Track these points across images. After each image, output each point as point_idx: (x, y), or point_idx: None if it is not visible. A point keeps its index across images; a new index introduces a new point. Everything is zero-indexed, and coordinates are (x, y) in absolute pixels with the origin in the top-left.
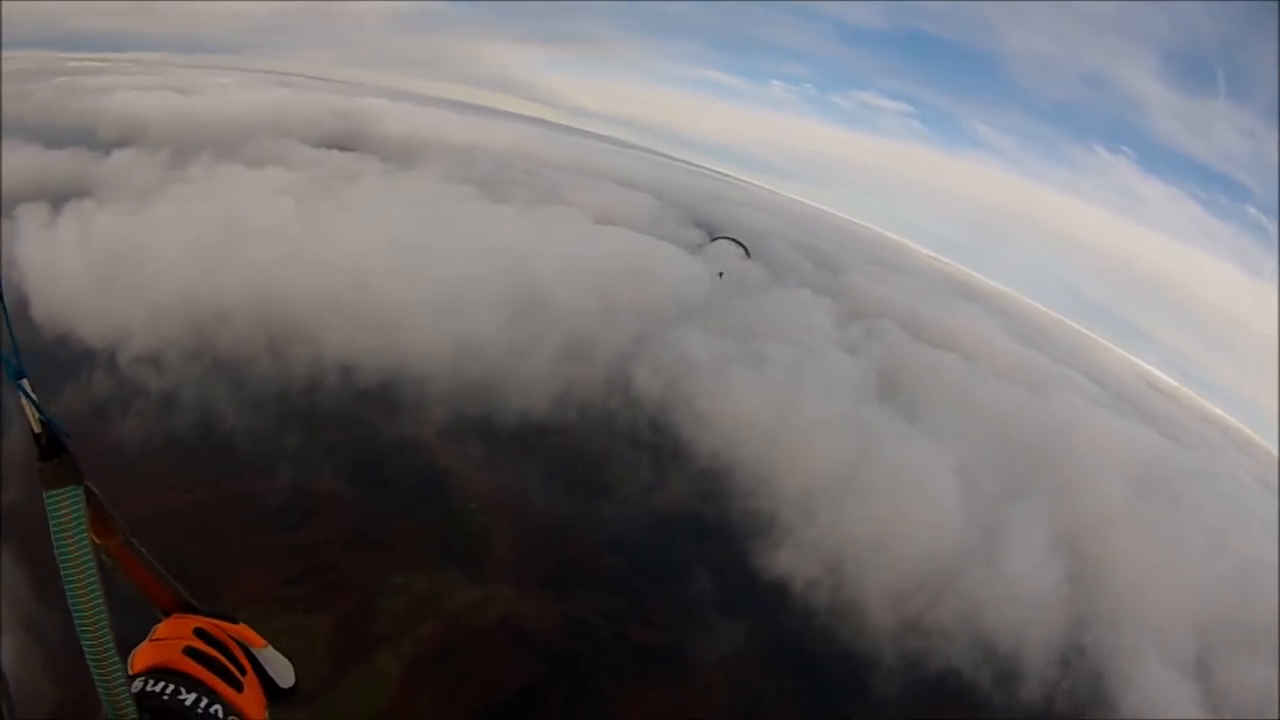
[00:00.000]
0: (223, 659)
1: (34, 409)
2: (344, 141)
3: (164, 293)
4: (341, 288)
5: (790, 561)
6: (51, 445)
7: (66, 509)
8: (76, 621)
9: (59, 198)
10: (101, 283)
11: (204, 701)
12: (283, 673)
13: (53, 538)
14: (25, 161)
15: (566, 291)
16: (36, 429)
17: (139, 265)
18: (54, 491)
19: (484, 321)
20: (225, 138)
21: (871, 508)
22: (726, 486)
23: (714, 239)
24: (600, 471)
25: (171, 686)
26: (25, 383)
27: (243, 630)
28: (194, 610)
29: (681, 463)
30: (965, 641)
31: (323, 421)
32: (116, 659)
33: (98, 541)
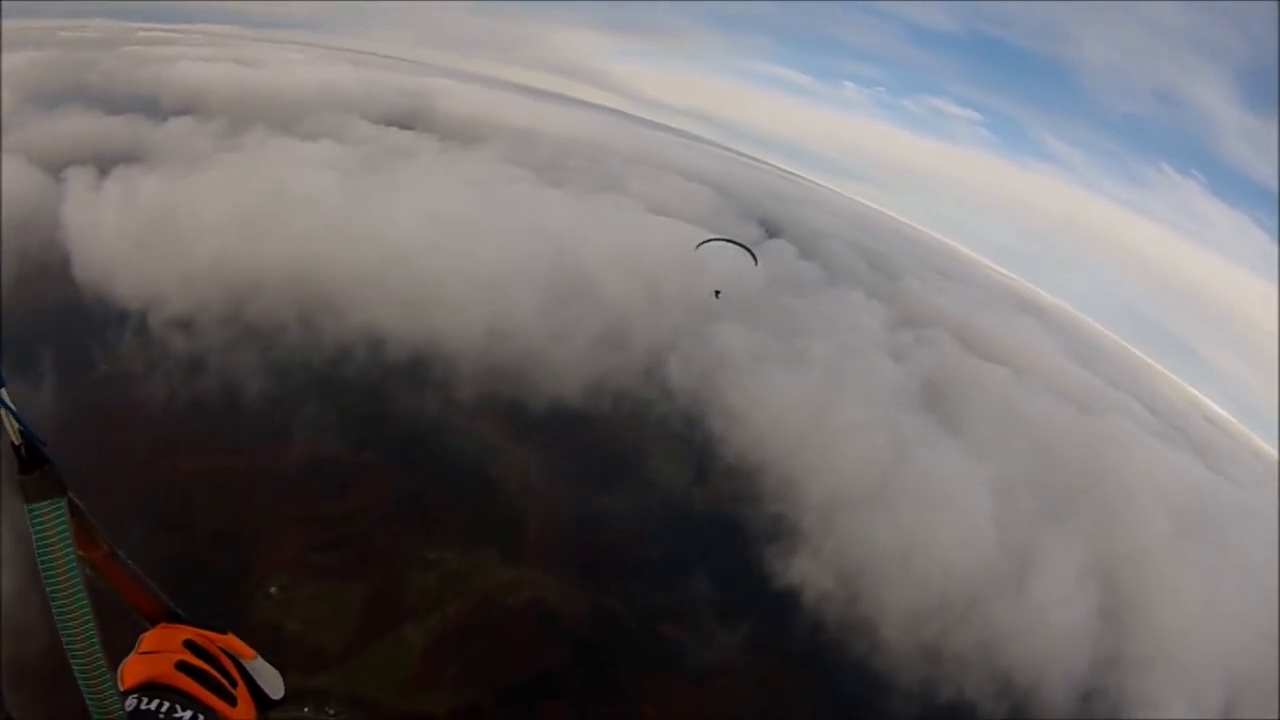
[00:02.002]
0: (214, 672)
1: (12, 420)
2: (406, 120)
3: (201, 258)
4: (378, 262)
5: (805, 571)
6: (32, 457)
7: (50, 522)
8: (63, 636)
9: (109, 162)
10: (142, 246)
11: (200, 718)
12: (272, 684)
13: (36, 551)
14: (81, 126)
15: (611, 279)
16: (16, 440)
17: (180, 230)
18: (36, 505)
19: (522, 304)
20: (284, 111)
21: (898, 521)
22: (752, 487)
23: (709, 240)
24: (631, 463)
25: (167, 704)
26: (3, 392)
27: (231, 641)
28: (181, 620)
29: (710, 459)
30: (981, 671)
31: (364, 394)
32: (107, 674)
33: (82, 554)
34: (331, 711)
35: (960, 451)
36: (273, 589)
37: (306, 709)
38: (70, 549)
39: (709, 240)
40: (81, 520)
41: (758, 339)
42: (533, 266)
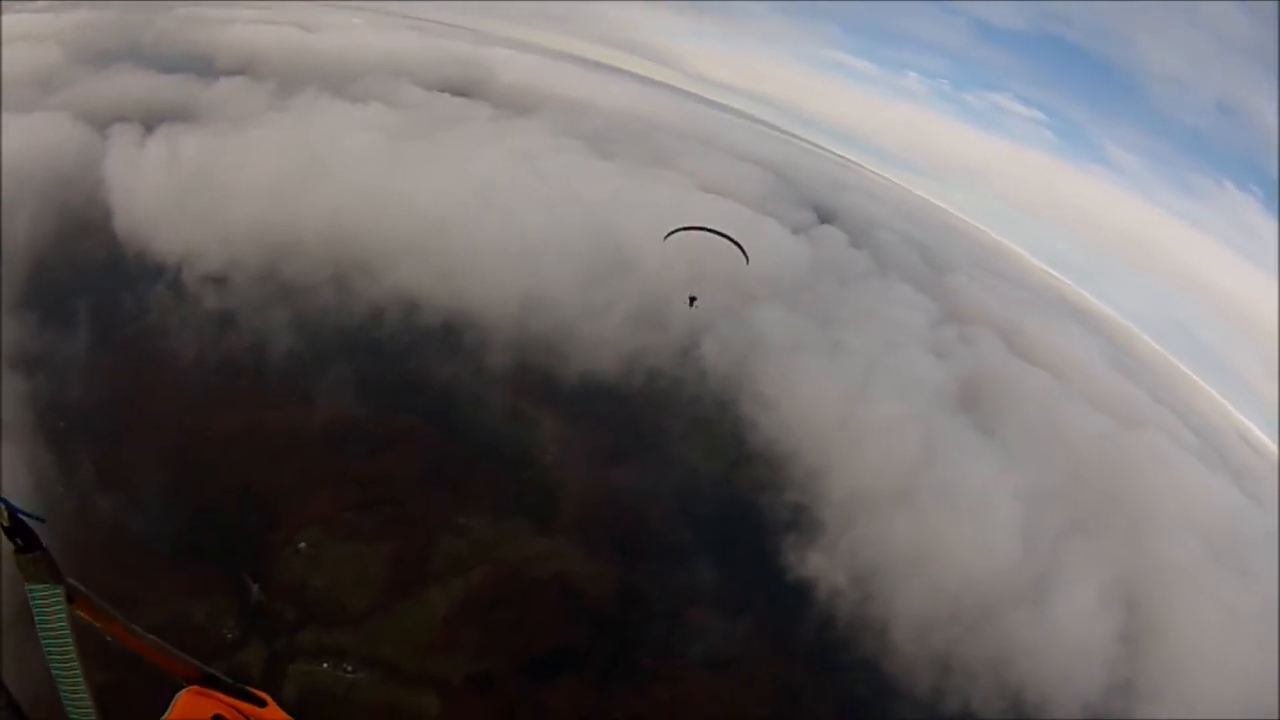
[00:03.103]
0: None
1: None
2: (460, 87)
3: (240, 216)
4: (416, 226)
5: (821, 565)
6: (26, 538)
7: (48, 606)
8: (64, 703)
9: (156, 119)
10: (182, 202)
11: None
12: None
13: (37, 629)
14: (131, 84)
15: (653, 255)
16: (5, 523)
17: (221, 188)
18: (35, 585)
19: (560, 276)
20: (337, 74)
21: (920, 522)
22: (777, 476)
23: (684, 229)
24: (661, 442)
25: None
26: None
27: (267, 714)
28: (216, 682)
29: (739, 444)
30: (990, 685)
31: (398, 358)
32: None
33: (96, 624)
34: (349, 669)
35: (992, 455)
36: (302, 544)
37: (325, 664)
38: (66, 631)
39: (683, 229)
40: (87, 601)
41: (797, 325)
42: (574, 238)
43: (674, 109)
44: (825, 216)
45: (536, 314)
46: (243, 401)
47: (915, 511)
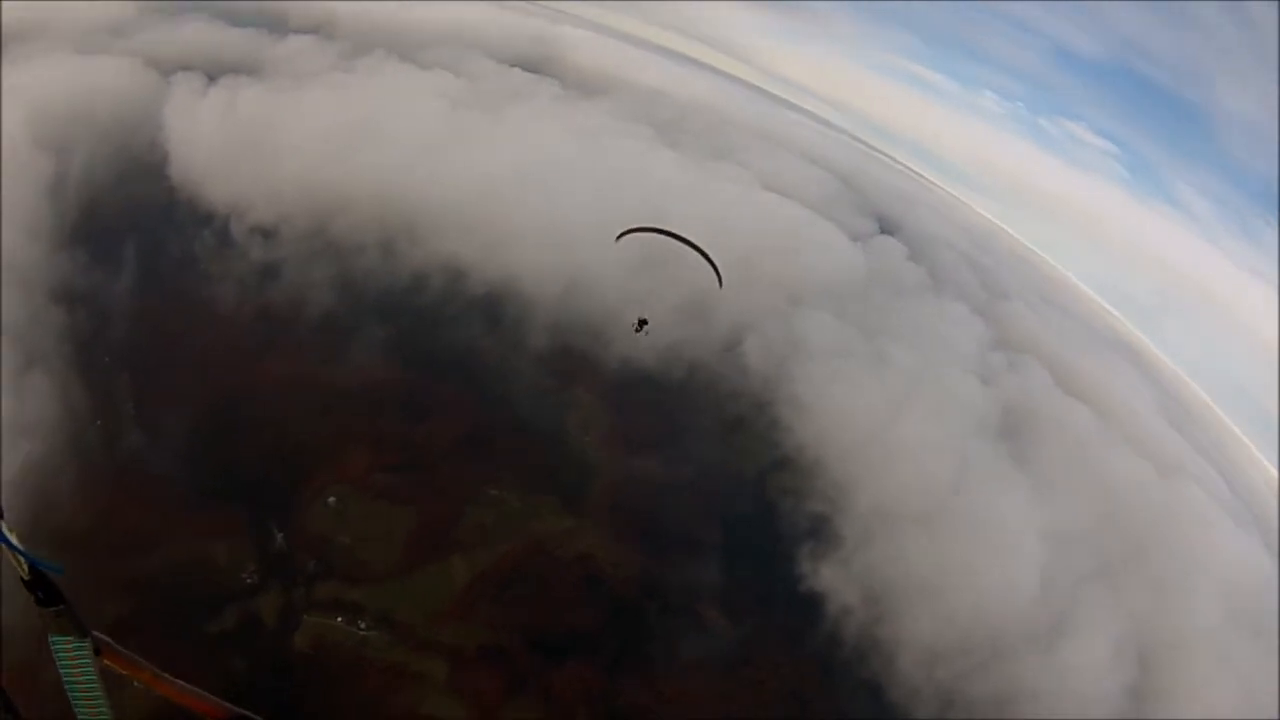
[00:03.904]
0: None
1: (19, 558)
2: (531, 63)
3: (293, 170)
4: (468, 196)
5: (834, 580)
6: (47, 591)
7: (74, 660)
8: None
9: (221, 71)
10: (237, 152)
11: None
12: None
13: (63, 681)
14: (201, 34)
15: (707, 247)
16: (24, 575)
17: (277, 141)
18: (59, 639)
19: (609, 259)
20: (408, 39)
21: (941, 548)
22: (803, 482)
23: (637, 230)
24: (696, 436)
25: None
26: (2, 525)
27: None
28: None
29: (770, 446)
30: None
31: (440, 326)
32: None
33: (124, 672)
34: (363, 626)
35: (1024, 489)
36: (331, 499)
37: (340, 618)
38: (96, 685)
39: (638, 230)
40: (114, 651)
41: (843, 333)
42: (628, 223)
43: (744, 104)
44: (887, 227)
45: (581, 295)
46: (283, 354)
47: (937, 536)
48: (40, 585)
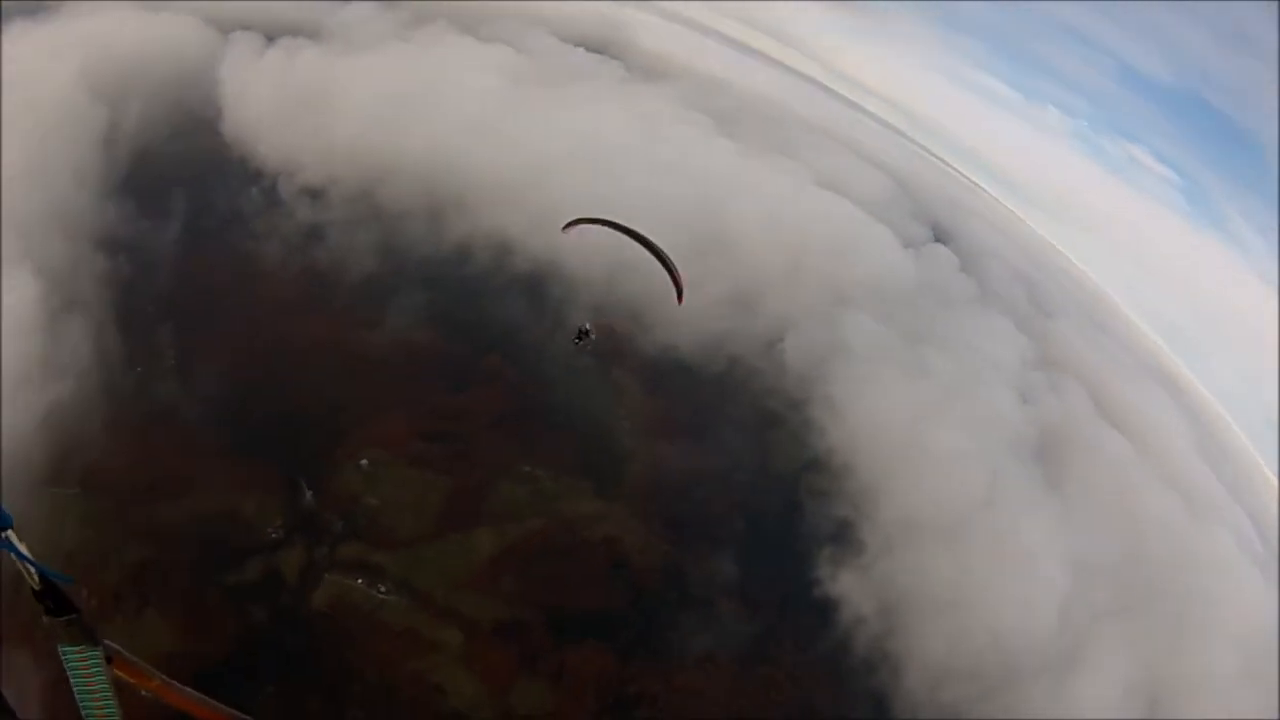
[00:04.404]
0: None
1: (29, 567)
2: (596, 44)
3: (344, 134)
4: (519, 171)
5: (850, 587)
6: (58, 600)
7: (87, 670)
8: None
9: (280, 32)
10: (289, 113)
11: None
12: None
13: (74, 690)
14: None
15: (756, 241)
16: (35, 585)
17: (330, 105)
18: (69, 648)
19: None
20: (472, 12)
21: (962, 566)
22: (830, 484)
23: (588, 221)
24: (731, 429)
25: None
26: (11, 535)
27: None
28: None
29: (802, 447)
30: None
31: (483, 298)
32: None
33: (133, 681)
34: (383, 589)
35: (1052, 515)
36: (364, 461)
37: (360, 580)
38: (108, 693)
39: (589, 221)
40: (124, 660)
41: (886, 338)
42: (679, 210)
43: (806, 99)
44: (940, 235)
45: (626, 278)
46: (325, 315)
47: (959, 553)
48: (50, 595)
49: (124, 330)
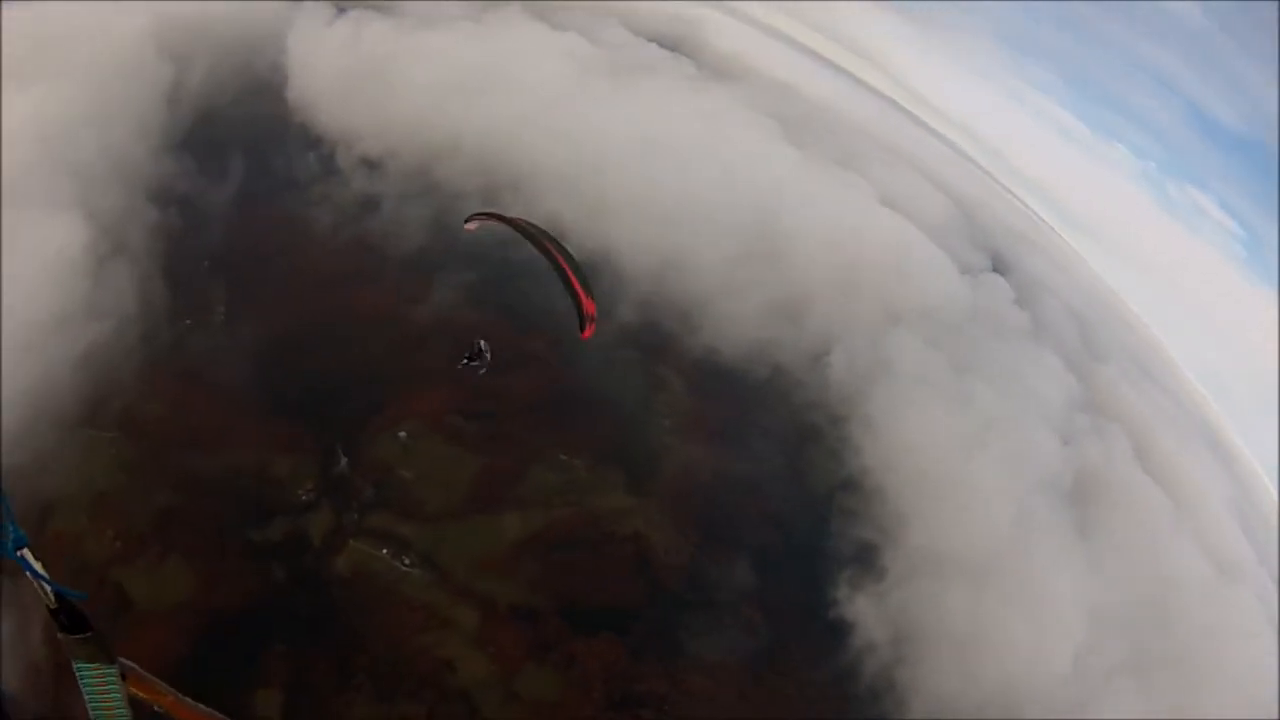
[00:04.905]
0: None
1: (44, 585)
2: (668, 40)
3: (405, 109)
4: (577, 159)
5: (865, 612)
6: (72, 618)
7: (102, 687)
8: None
9: (351, 4)
10: (353, 84)
11: None
12: None
13: (88, 706)
14: None
15: (811, 252)
16: (51, 604)
17: (393, 79)
18: (84, 665)
19: (711, 246)
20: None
21: (981, 604)
22: (859, 505)
23: (493, 217)
24: (769, 438)
25: None
26: (26, 553)
27: None
28: None
29: (838, 465)
30: None
31: (532, 282)
32: None
33: (146, 698)
34: (406, 561)
35: (1079, 561)
36: (402, 433)
37: (385, 550)
38: (124, 711)
39: (493, 218)
40: (139, 677)
41: (933, 363)
42: (736, 213)
43: (875, 113)
44: (998, 265)
45: (677, 276)
46: (373, 285)
47: (980, 590)
48: (65, 612)
49: (171, 282)
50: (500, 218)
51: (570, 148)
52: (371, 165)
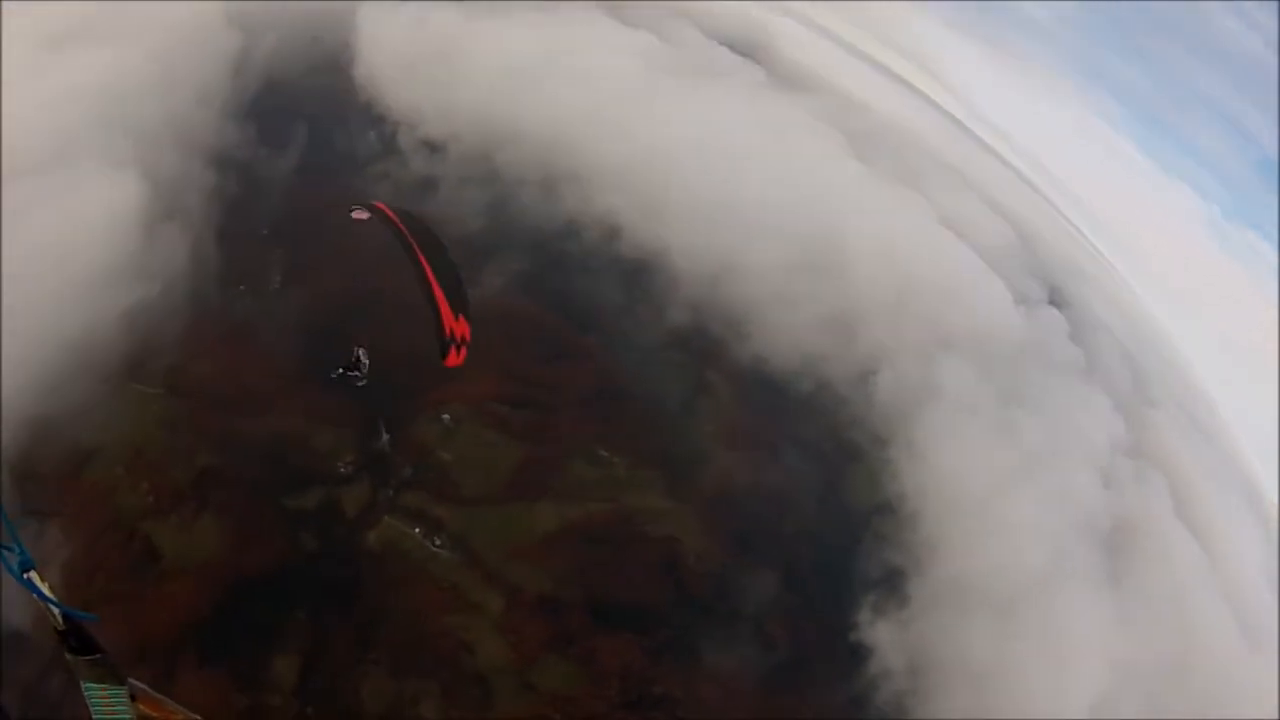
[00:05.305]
0: None
1: (51, 608)
2: (741, 46)
3: (470, 94)
4: (640, 158)
5: (885, 639)
6: (81, 640)
7: (112, 708)
8: None
9: None
10: (419, 65)
11: None
12: None
13: None
14: None
15: (867, 268)
16: (59, 626)
17: (460, 63)
18: (92, 686)
19: (766, 255)
20: None
21: (1003, 642)
22: (892, 530)
23: (369, 210)
24: (812, 454)
25: None
26: (34, 575)
27: None
28: None
29: (873, 487)
30: None
31: (587, 277)
32: None
33: (155, 717)
34: (437, 542)
35: (1108, 609)
36: (446, 416)
37: (417, 529)
38: None
39: (373, 213)
40: (148, 697)
41: (980, 392)
42: (794, 224)
43: (942, 134)
44: (1055, 298)
45: (731, 282)
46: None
47: (1003, 628)
48: (74, 634)
49: (224, 247)
50: (390, 215)
51: (632, 145)
52: (433, 147)
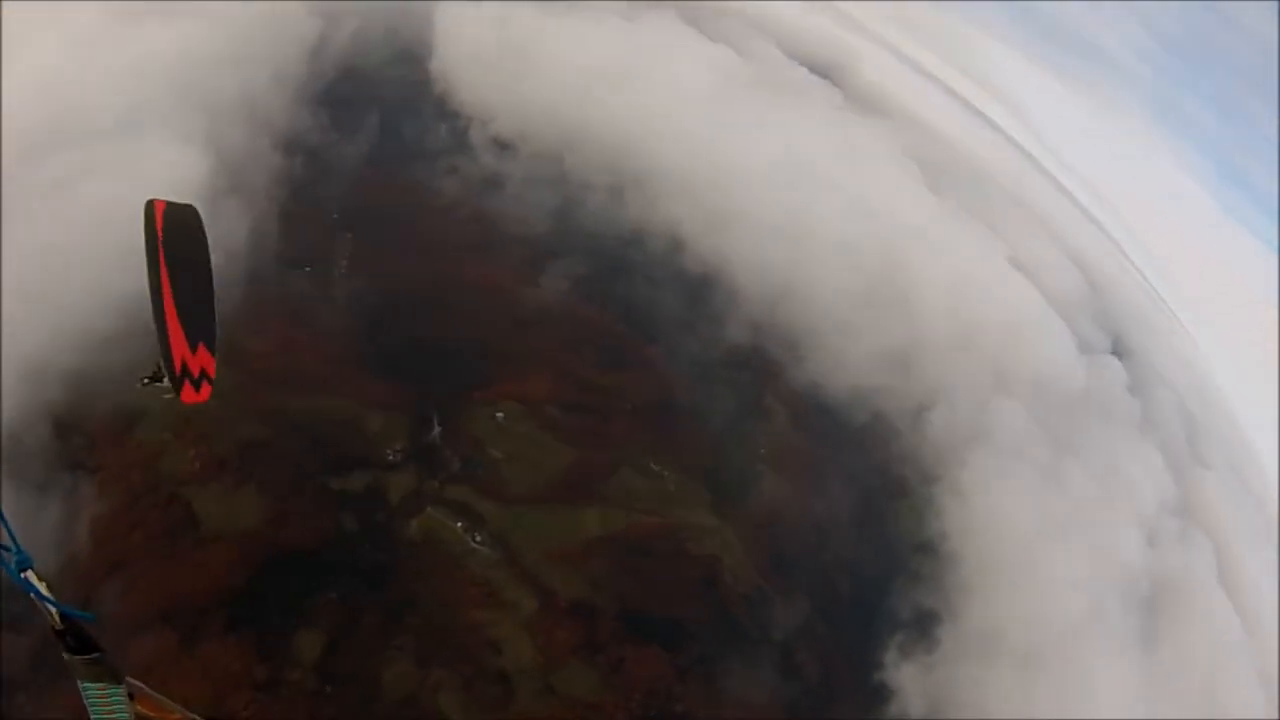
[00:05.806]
0: None
1: (49, 607)
2: (820, 66)
3: (543, 94)
4: (709, 172)
5: (908, 681)
6: (79, 639)
7: (109, 708)
8: None
9: None
10: (494, 63)
11: None
12: None
13: None
14: None
15: (932, 303)
16: (56, 625)
17: (535, 64)
18: (90, 685)
19: (830, 281)
20: (705, 8)
21: (1031, 695)
22: (931, 570)
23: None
24: (860, 485)
25: None
26: (31, 575)
27: None
28: None
29: (917, 525)
30: None
31: (649, 286)
32: None
33: (155, 717)
34: (478, 538)
35: (1138, 670)
36: (500, 414)
37: (460, 524)
38: None
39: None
40: (147, 697)
41: (1033, 438)
42: (862, 252)
43: (1017, 169)
44: (1118, 349)
45: (792, 304)
46: (492, 262)
47: (1029, 681)
48: (72, 633)
49: (286, 227)
50: (157, 215)
51: (701, 157)
52: (502, 145)
